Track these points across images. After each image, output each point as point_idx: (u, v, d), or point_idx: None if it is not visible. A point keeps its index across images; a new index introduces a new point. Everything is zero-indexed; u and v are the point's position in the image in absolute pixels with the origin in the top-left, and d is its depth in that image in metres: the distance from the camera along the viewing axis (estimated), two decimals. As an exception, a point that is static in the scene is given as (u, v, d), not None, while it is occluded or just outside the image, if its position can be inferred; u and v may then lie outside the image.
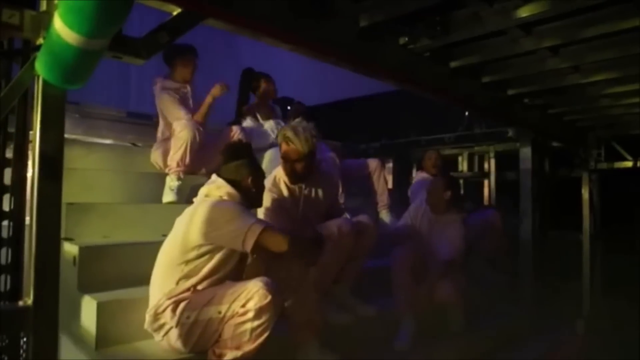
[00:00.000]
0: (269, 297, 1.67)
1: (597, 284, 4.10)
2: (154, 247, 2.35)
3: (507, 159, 4.90)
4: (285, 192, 2.38)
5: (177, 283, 1.81)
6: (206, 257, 1.82)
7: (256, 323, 1.67)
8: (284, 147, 2.30)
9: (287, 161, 2.31)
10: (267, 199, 2.26)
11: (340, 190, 3.34)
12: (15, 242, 1.43)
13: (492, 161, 5.09)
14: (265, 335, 1.69)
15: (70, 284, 2.11)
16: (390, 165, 5.36)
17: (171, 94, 3.09)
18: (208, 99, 3.09)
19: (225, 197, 1.90)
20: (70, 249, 2.18)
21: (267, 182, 2.32)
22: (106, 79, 4.93)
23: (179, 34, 1.31)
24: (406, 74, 2.19)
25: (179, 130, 2.93)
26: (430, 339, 2.67)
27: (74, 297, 2.07)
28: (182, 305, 1.78)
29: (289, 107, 3.86)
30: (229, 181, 1.95)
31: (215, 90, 3.09)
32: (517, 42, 2.13)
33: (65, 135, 3.39)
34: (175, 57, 3.13)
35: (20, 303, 1.07)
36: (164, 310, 1.79)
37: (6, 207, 1.43)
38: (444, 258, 2.80)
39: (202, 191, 1.98)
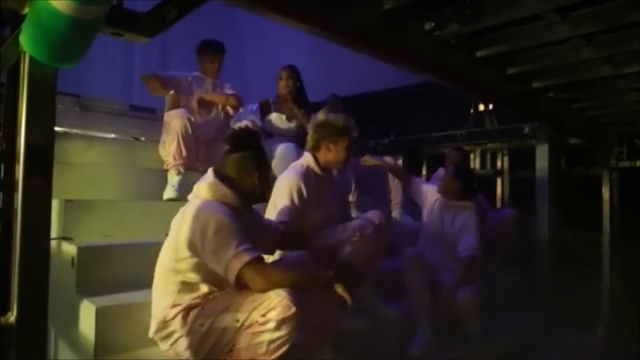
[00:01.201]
0: (293, 309, 1.50)
1: (617, 285, 3.95)
2: (157, 248, 2.20)
3: (520, 157, 4.75)
4: (315, 183, 2.29)
5: (178, 292, 1.66)
6: (203, 269, 1.64)
7: (276, 335, 1.51)
8: (342, 136, 2.28)
9: (346, 147, 2.30)
10: (298, 191, 2.18)
11: (353, 188, 3.25)
12: (5, 244, 1.29)
13: (506, 159, 4.93)
14: (284, 349, 1.54)
15: (68, 287, 1.99)
16: (399, 162, 5.22)
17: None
18: (220, 99, 3.09)
19: (220, 199, 1.68)
20: (68, 249, 2.05)
21: (296, 172, 2.26)
22: (108, 70, 4.80)
23: (188, 9, 1.15)
24: (429, 61, 2.05)
25: (169, 122, 2.81)
26: (445, 343, 2.56)
27: (72, 301, 1.94)
28: (194, 312, 1.63)
29: None
30: (228, 177, 1.75)
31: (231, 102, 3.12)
32: (551, 28, 1.97)
33: (65, 129, 3.28)
34: (200, 52, 3.20)
35: (2, 320, 0.92)
36: (173, 318, 1.64)
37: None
38: (464, 255, 2.68)
39: (194, 189, 1.77)
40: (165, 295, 1.68)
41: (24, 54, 0.93)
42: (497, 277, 3.47)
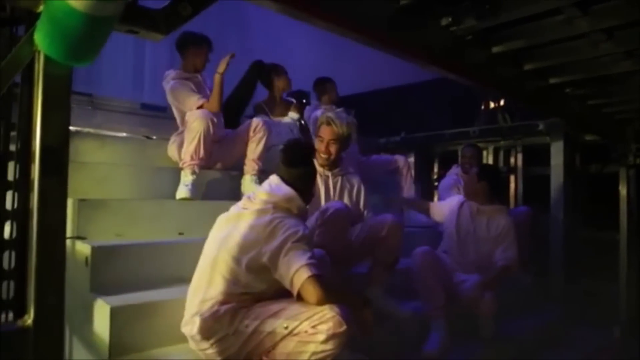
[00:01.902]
0: (344, 327, 1.54)
1: (634, 285, 3.87)
2: (171, 248, 2.23)
3: (533, 154, 4.69)
4: (318, 181, 2.38)
5: (230, 293, 1.67)
6: (266, 277, 1.67)
7: (321, 347, 1.53)
8: (324, 128, 2.43)
9: (323, 140, 2.44)
10: None
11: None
12: (20, 244, 1.28)
13: (520, 156, 4.87)
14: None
15: (82, 286, 2.00)
16: (411, 159, 5.18)
17: (183, 82, 2.96)
18: (216, 79, 2.90)
19: (295, 212, 1.74)
20: (82, 248, 2.05)
21: None
22: (119, 69, 4.82)
23: (203, 5, 1.13)
24: (445, 57, 2.00)
25: (192, 121, 2.78)
26: (458, 343, 2.53)
27: (86, 300, 1.95)
28: (241, 312, 1.65)
29: (304, 101, 3.71)
30: (295, 189, 1.78)
31: (221, 67, 2.91)
32: (571, 23, 1.91)
33: (77, 128, 3.29)
34: (188, 45, 3.03)
35: (19, 323, 0.91)
36: (222, 316, 1.65)
37: (9, 206, 1.29)
38: (502, 263, 2.68)
39: (265, 197, 1.76)
40: (216, 293, 1.68)
41: (39, 52, 0.92)
42: (513, 277, 3.42)
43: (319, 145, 2.45)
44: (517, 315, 3.18)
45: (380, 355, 2.17)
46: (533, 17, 1.95)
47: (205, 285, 1.71)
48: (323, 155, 2.45)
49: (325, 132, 2.42)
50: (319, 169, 2.44)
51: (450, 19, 1.79)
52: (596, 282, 4.02)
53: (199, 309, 1.69)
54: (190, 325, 1.69)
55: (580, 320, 3.67)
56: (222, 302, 1.66)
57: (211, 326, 1.65)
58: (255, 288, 1.68)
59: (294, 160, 1.83)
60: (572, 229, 4.05)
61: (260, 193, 1.79)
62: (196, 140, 2.73)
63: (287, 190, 1.77)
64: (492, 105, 5.05)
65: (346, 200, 2.49)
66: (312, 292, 1.57)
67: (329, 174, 2.50)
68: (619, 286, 3.86)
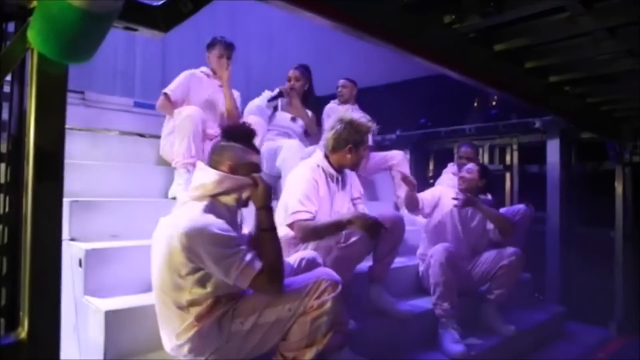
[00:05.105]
0: (339, 285, 1.57)
1: (630, 283, 3.88)
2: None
3: (529, 152, 4.69)
4: (324, 183, 2.24)
5: (203, 307, 1.54)
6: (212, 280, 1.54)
7: (332, 313, 1.54)
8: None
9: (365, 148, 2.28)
10: (307, 187, 2.14)
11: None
12: (12, 250, 1.23)
13: (515, 154, 4.86)
14: (339, 327, 1.63)
15: (76, 289, 1.95)
16: (407, 157, 5.16)
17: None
18: (224, 85, 3.02)
19: (205, 202, 1.53)
20: (75, 250, 1.99)
21: (307, 169, 2.23)
22: (109, 66, 4.74)
23: (204, 2, 1.08)
24: (447, 55, 1.97)
25: (180, 120, 2.73)
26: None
27: (80, 303, 1.90)
28: (227, 316, 1.55)
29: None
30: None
31: (223, 75, 3.02)
32: (574, 20, 1.89)
33: (69, 126, 3.21)
34: (209, 47, 3.12)
35: (12, 337, 0.85)
36: (208, 331, 1.53)
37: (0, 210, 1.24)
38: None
39: (185, 193, 1.64)
40: (188, 317, 1.56)
41: (32, 50, 0.87)
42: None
43: (361, 155, 2.27)
44: (515, 310, 3.18)
45: (380, 354, 2.16)
46: (536, 15, 1.92)
47: (169, 312, 1.57)
48: (359, 164, 2.32)
49: (367, 141, 2.28)
50: (333, 174, 2.27)
51: (453, 17, 1.75)
52: (592, 279, 4.04)
53: (180, 335, 1.56)
54: (178, 350, 1.58)
55: (576, 315, 3.68)
56: (200, 318, 1.53)
57: (201, 344, 1.54)
58: (221, 288, 1.54)
59: (221, 137, 1.69)
60: (568, 226, 4.06)
61: (190, 187, 1.63)
62: (186, 138, 2.68)
63: (201, 171, 1.61)
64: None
65: (347, 192, 2.42)
66: (265, 284, 1.49)
67: (341, 177, 2.34)
68: (614, 283, 3.87)
